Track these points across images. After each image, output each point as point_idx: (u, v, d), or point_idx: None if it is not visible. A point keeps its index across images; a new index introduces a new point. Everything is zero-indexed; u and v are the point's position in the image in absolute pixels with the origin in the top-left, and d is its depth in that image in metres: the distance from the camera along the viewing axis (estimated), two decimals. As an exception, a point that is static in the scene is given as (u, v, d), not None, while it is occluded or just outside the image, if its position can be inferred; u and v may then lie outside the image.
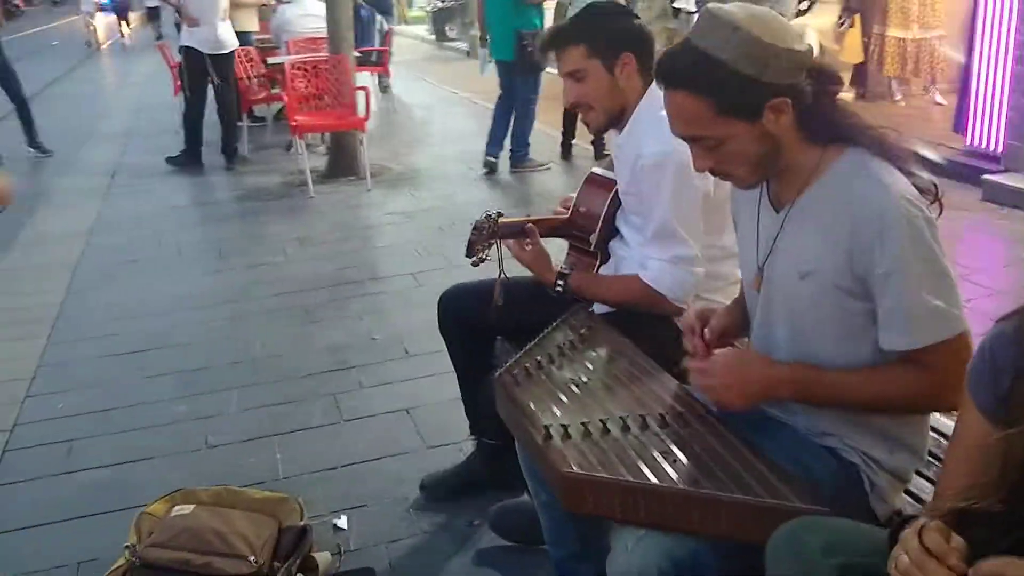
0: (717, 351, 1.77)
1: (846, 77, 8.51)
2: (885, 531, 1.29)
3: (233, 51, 8.08)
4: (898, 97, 8.67)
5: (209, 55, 7.77)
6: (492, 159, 7.42)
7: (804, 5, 8.49)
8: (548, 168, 7.44)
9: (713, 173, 1.70)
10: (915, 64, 8.25)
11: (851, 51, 8.36)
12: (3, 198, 3.05)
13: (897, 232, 1.50)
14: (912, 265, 1.50)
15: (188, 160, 8.11)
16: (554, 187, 6.80)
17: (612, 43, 2.27)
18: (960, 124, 6.68)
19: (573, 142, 7.72)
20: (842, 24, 8.29)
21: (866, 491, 1.69)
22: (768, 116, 1.55)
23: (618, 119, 2.36)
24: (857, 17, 8.32)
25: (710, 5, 1.61)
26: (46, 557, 2.68)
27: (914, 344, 1.53)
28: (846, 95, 8.40)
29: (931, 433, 1.79)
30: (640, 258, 2.33)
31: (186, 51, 7.80)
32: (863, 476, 1.69)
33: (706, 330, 1.86)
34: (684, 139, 1.66)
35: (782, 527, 1.34)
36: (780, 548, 1.30)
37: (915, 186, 1.58)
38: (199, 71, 7.82)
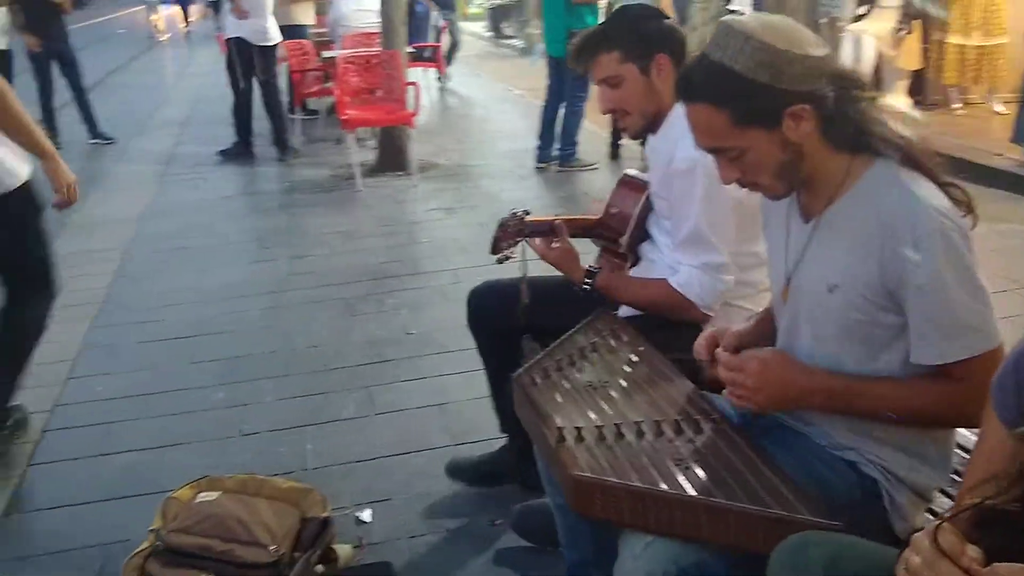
0: (751, 350, 1.74)
1: (903, 85, 8.36)
2: (895, 550, 1.26)
3: (277, 44, 8.15)
4: (956, 105, 8.49)
5: (256, 47, 7.85)
6: (542, 165, 7.45)
7: (862, 10, 8.35)
8: (596, 168, 7.41)
9: (741, 184, 1.68)
10: (975, 72, 8.08)
11: (909, 58, 8.20)
12: (71, 195, 3.05)
13: (930, 245, 1.47)
14: (946, 279, 1.47)
15: (240, 152, 8.23)
16: (601, 187, 6.76)
17: (646, 46, 2.24)
18: (1020, 134, 6.52)
19: (621, 142, 7.68)
20: (901, 30, 8.13)
21: (885, 507, 1.66)
22: (788, 124, 1.54)
23: (654, 122, 2.34)
24: (917, 23, 8.16)
25: (725, 17, 1.60)
26: (78, 536, 2.74)
27: (946, 358, 1.51)
28: (903, 102, 8.26)
29: (956, 450, 1.75)
30: (671, 262, 2.31)
31: (235, 42, 7.87)
32: (883, 492, 1.66)
33: (718, 351, 1.84)
34: (708, 151, 1.66)
35: (788, 539, 1.32)
36: (782, 560, 1.28)
37: (948, 197, 1.54)
38: (248, 63, 7.91)
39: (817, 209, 1.65)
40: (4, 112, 2.78)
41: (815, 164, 1.60)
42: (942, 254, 1.47)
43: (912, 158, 1.57)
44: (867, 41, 8.02)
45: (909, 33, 8.17)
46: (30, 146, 2.89)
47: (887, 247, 1.51)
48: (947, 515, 1.05)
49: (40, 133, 2.96)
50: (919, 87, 8.59)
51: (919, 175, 1.55)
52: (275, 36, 8.04)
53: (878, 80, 8.41)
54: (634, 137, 2.48)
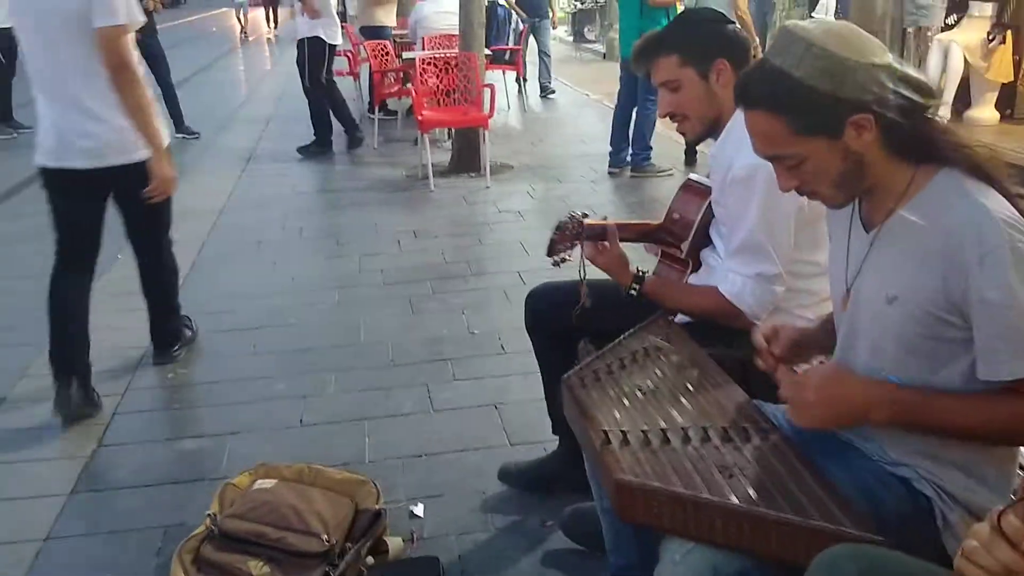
0: (811, 365, 1.71)
1: (992, 97, 8.10)
2: (938, 568, 1.23)
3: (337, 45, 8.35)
4: (1049, 120, 8.21)
5: (329, 45, 8.05)
6: (615, 170, 7.40)
7: (951, 20, 8.12)
8: (670, 174, 7.30)
9: (799, 192, 1.66)
10: (1071, 86, 7.80)
11: (1000, 69, 7.92)
12: (162, 188, 3.40)
13: (999, 257, 1.42)
14: (1017, 292, 1.42)
15: (319, 150, 8.39)
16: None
17: (705, 50, 2.22)
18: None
19: (698, 148, 7.58)
20: (992, 40, 7.86)
21: (937, 526, 1.61)
22: (849, 133, 1.51)
23: (714, 128, 2.31)
24: (1009, 33, 7.89)
25: (786, 22, 1.57)
26: (138, 518, 2.81)
27: (1018, 375, 1.45)
28: (991, 116, 8.02)
29: (1019, 471, 1.69)
30: (723, 269, 2.28)
31: (309, 42, 8.02)
32: (936, 510, 1.61)
33: (775, 345, 1.81)
34: (766, 158, 1.63)
35: (825, 552, 1.29)
36: (817, 573, 1.25)
37: (1018, 209, 1.49)
38: (319, 62, 8.07)
39: (878, 218, 1.62)
40: (135, 104, 3.27)
41: (877, 173, 1.57)
42: (1012, 267, 1.42)
43: (979, 168, 1.53)
44: (955, 51, 7.79)
45: (1001, 44, 7.90)
46: (147, 136, 3.32)
47: (950, 259, 1.46)
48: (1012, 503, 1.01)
49: (157, 129, 3.38)
50: (1010, 100, 8.30)
51: (986, 186, 1.51)
52: (339, 37, 8.28)
53: (966, 92, 8.17)
54: (694, 143, 2.46)
